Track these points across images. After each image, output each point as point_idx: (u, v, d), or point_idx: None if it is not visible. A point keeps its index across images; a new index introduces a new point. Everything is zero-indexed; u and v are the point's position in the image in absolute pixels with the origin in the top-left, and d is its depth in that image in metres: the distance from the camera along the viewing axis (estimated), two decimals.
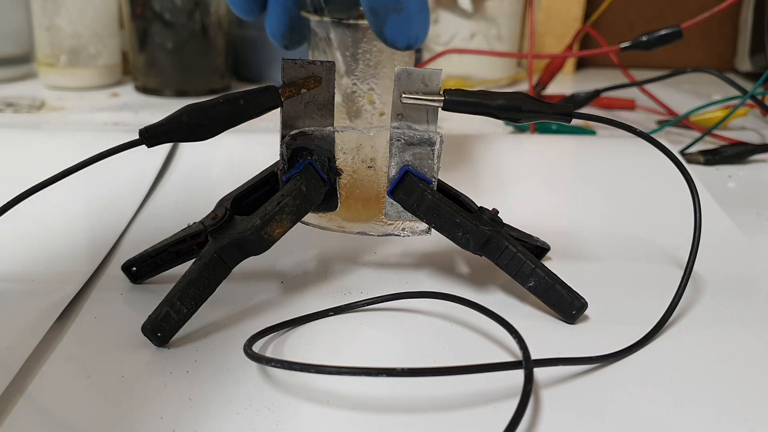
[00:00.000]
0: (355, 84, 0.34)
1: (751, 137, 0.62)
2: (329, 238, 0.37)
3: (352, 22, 0.34)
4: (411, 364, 0.24)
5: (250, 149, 0.50)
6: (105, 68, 0.73)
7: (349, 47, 0.34)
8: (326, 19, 0.34)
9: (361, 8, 0.30)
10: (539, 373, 0.27)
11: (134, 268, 0.33)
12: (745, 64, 0.90)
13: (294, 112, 0.32)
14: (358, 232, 0.35)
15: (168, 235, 0.33)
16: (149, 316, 0.28)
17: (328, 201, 0.33)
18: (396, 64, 0.34)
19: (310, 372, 0.24)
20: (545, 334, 0.30)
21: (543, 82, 0.71)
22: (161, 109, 0.65)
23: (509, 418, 0.23)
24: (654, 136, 0.33)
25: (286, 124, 0.32)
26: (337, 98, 0.35)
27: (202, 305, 0.29)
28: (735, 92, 0.59)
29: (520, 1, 0.82)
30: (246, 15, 0.35)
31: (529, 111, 0.31)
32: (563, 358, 0.27)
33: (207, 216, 0.32)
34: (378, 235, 0.35)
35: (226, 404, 0.25)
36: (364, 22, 0.34)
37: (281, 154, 0.32)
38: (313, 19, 0.35)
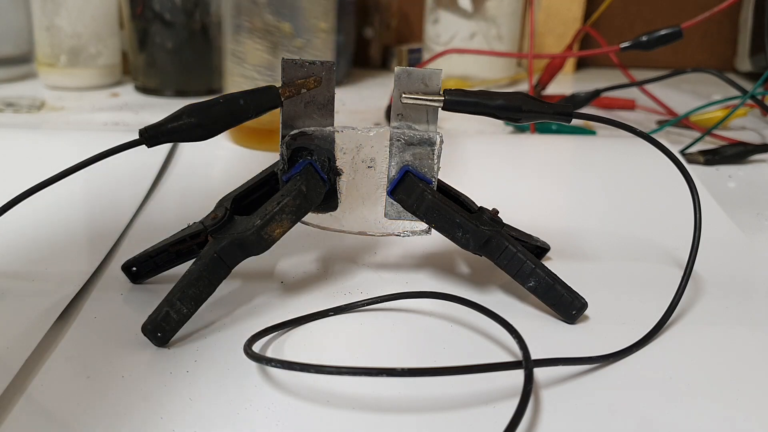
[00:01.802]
0: (271, 15, 0.33)
1: (751, 137, 0.62)
2: (329, 238, 0.37)
3: None
4: (411, 364, 0.24)
5: (250, 149, 0.50)
6: (105, 68, 0.73)
7: None
8: None
9: None
10: (539, 373, 0.27)
11: (134, 268, 0.33)
12: (745, 64, 0.90)
13: (294, 112, 0.32)
14: (358, 232, 0.35)
15: (168, 235, 0.33)
16: (149, 316, 0.28)
17: (328, 201, 0.33)
18: None
19: (310, 372, 0.24)
20: (545, 334, 0.30)
21: (543, 82, 0.71)
22: (161, 109, 0.65)
23: (509, 418, 0.23)
24: (654, 136, 0.33)
25: (286, 124, 0.32)
26: (259, 38, 0.34)
27: (202, 305, 0.29)
28: (735, 92, 0.59)
29: (520, 1, 0.82)
30: None
31: (529, 111, 0.31)
32: (563, 358, 0.27)
33: (207, 216, 0.32)
34: (378, 235, 0.35)
35: (226, 404, 0.25)
36: None
37: (281, 154, 0.32)
38: None
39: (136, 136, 0.29)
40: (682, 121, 0.61)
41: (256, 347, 0.28)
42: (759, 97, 0.59)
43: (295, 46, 0.35)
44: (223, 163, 0.48)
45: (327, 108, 0.32)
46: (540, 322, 0.31)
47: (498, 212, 0.33)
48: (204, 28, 0.68)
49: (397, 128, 0.32)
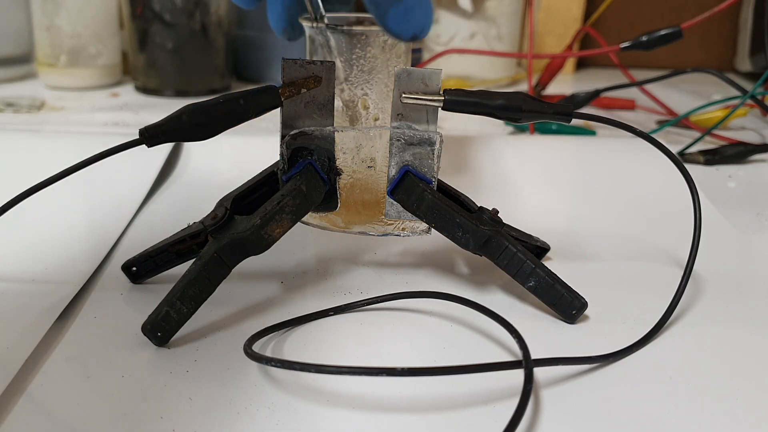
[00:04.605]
0: (350, 89, 0.35)
1: (751, 137, 0.62)
2: (329, 238, 0.37)
3: (345, 27, 0.34)
4: (411, 364, 0.24)
5: (251, 149, 0.50)
6: (105, 68, 0.73)
7: (344, 53, 0.34)
8: (321, 25, 0.34)
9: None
10: (539, 373, 0.27)
11: (134, 268, 0.33)
12: (745, 64, 0.89)
13: (294, 112, 0.32)
14: (358, 232, 0.35)
15: (168, 235, 0.33)
16: (149, 316, 0.28)
17: (328, 201, 0.33)
18: (390, 69, 0.34)
19: (310, 372, 0.24)
20: (545, 334, 0.30)
21: (543, 82, 0.71)
22: (161, 109, 0.65)
23: (509, 418, 0.23)
24: (654, 136, 0.33)
25: (286, 124, 0.32)
26: (339, 103, 0.35)
27: (202, 305, 0.29)
28: (735, 92, 0.59)
29: (520, 1, 0.82)
30: (245, 4, 0.35)
31: (529, 111, 0.31)
32: (563, 358, 0.27)
33: (207, 216, 0.32)
34: (378, 235, 0.35)
35: (226, 404, 0.25)
36: (357, 28, 0.34)
37: (281, 154, 0.32)
38: (308, 26, 0.35)
39: (136, 136, 0.29)
40: (682, 121, 0.61)
41: (256, 347, 0.28)
42: (759, 97, 0.59)
43: (373, 118, 0.35)
44: (224, 164, 0.48)
45: (327, 108, 0.32)
46: (540, 322, 0.31)
47: (498, 212, 0.33)
48: (204, 28, 0.68)
49: (397, 128, 0.32)
